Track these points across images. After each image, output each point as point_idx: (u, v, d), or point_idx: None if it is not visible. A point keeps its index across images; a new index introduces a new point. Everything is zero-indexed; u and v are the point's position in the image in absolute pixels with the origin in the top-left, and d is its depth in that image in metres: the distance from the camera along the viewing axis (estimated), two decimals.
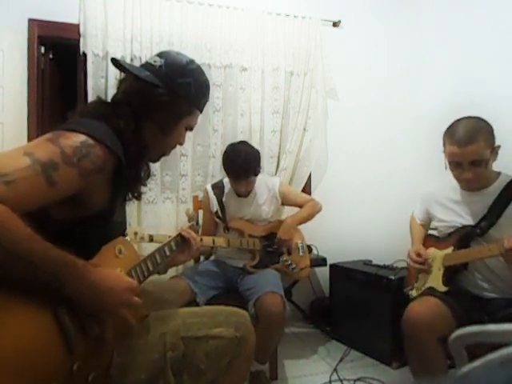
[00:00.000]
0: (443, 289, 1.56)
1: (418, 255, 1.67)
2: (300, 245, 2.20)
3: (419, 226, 1.85)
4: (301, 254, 2.18)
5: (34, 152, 0.78)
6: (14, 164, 0.74)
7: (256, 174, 1.99)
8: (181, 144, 1.17)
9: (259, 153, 2.05)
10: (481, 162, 1.45)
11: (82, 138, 0.85)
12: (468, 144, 1.43)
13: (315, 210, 2.17)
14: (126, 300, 0.88)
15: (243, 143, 2.05)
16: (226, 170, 1.98)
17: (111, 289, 0.85)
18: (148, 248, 2.03)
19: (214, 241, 1.98)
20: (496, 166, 1.55)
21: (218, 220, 2.12)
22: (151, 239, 1.73)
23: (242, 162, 1.91)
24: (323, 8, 2.86)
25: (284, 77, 2.71)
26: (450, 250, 1.60)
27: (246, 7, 2.63)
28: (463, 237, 1.56)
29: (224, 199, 2.10)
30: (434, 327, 1.40)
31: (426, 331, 1.40)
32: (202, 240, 1.83)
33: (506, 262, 1.39)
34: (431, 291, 1.58)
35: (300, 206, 2.18)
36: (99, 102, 1.08)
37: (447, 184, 1.65)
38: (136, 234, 1.70)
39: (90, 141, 0.85)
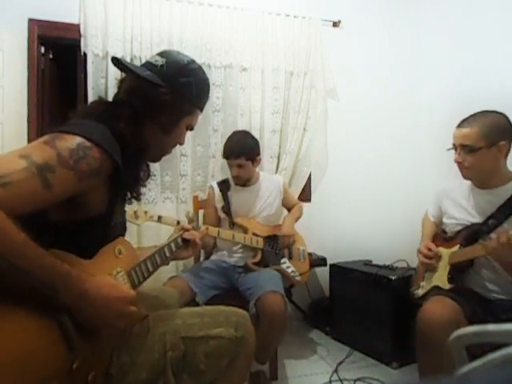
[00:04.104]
0: (447, 286, 1.55)
1: (429, 250, 1.66)
2: (301, 251, 2.23)
3: (431, 223, 1.83)
4: (301, 259, 2.21)
5: (29, 154, 0.77)
6: (10, 166, 0.73)
7: (247, 159, 2.03)
8: (181, 144, 1.16)
9: (257, 144, 2.12)
10: (469, 149, 1.47)
11: (78, 140, 0.84)
12: (463, 127, 1.50)
13: (301, 213, 2.32)
14: (121, 311, 0.86)
15: (244, 132, 2.19)
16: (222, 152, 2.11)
17: (106, 299, 0.83)
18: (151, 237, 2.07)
19: (219, 232, 2.00)
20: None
21: (223, 215, 2.15)
22: (160, 219, 1.80)
23: (233, 142, 2.06)
24: (323, 8, 2.86)
25: (284, 77, 2.71)
26: (456, 247, 1.59)
27: (246, 7, 2.63)
28: (470, 234, 1.55)
29: (229, 194, 2.15)
30: (449, 329, 1.35)
31: (441, 333, 1.34)
32: (207, 229, 1.89)
33: (495, 258, 1.38)
34: (437, 290, 1.56)
35: (290, 208, 2.31)
36: (100, 102, 1.08)
37: (462, 181, 1.64)
38: (146, 212, 1.76)
39: (87, 143, 0.85)
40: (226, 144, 2.10)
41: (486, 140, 1.45)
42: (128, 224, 1.19)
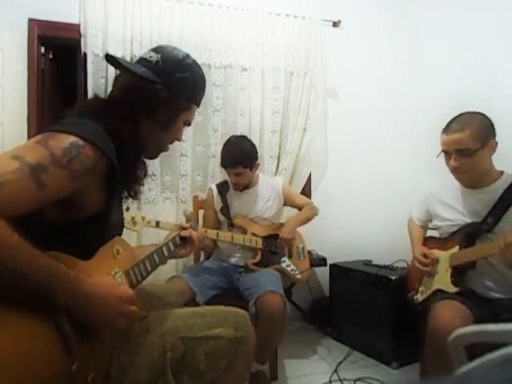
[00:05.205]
0: (454, 290, 1.52)
1: (425, 256, 1.63)
2: (300, 248, 2.23)
3: (419, 228, 1.83)
4: (301, 258, 2.21)
5: (22, 155, 0.76)
6: (2, 167, 0.72)
7: (245, 167, 2.00)
8: (179, 140, 1.15)
9: (254, 149, 2.08)
10: (466, 152, 1.46)
11: (71, 138, 0.83)
12: (454, 132, 1.49)
13: (314, 213, 2.25)
14: (120, 310, 0.86)
15: (241, 137, 2.13)
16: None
17: (104, 298, 0.83)
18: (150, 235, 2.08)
19: (218, 234, 2.00)
20: (497, 164, 1.56)
21: (222, 217, 2.14)
22: (158, 225, 1.77)
23: (231, 151, 2.00)
24: (323, 8, 2.86)
25: (284, 77, 2.71)
26: (455, 249, 1.57)
27: (246, 7, 2.63)
28: (469, 234, 1.53)
29: (228, 196, 2.14)
30: None
31: None
32: (206, 231, 1.87)
33: (502, 257, 1.34)
34: (442, 294, 1.53)
35: (299, 208, 2.25)
36: (95, 100, 1.06)
37: (449, 183, 1.64)
38: (143, 218, 1.71)
39: (80, 142, 0.83)
40: (222, 152, 2.05)
41: (481, 141, 1.45)
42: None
